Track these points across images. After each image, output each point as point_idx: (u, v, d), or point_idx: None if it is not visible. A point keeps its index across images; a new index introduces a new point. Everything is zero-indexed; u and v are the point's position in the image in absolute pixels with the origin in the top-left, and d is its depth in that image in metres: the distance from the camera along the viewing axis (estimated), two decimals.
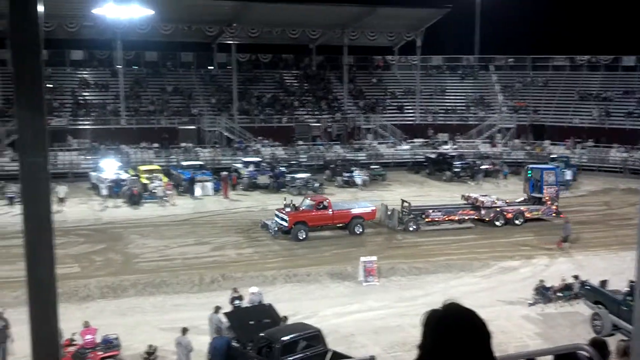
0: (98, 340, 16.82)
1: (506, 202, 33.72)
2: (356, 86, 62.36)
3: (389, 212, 32.10)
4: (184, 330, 16.62)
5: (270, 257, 27.46)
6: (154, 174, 40.33)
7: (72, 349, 16.13)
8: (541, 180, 33.94)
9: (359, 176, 43.50)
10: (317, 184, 41.40)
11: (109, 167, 41.56)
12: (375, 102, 60.69)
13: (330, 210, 30.78)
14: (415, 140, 55.15)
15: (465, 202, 34.11)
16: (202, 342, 17.14)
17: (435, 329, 2.16)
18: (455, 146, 53.80)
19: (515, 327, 19.73)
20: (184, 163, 44.39)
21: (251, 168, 43.16)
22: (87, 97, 54.22)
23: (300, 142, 53.42)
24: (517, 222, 32.82)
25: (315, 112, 58.16)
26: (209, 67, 61.47)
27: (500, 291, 23.27)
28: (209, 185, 40.68)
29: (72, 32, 52.61)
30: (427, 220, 31.91)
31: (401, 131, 56.51)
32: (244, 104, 56.57)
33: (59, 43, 52.46)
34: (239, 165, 44.65)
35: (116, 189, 38.22)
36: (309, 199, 32.21)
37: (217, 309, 17.98)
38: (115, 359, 16.54)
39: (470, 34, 64.92)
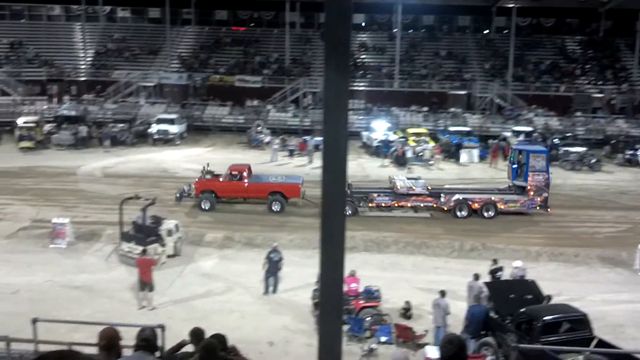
0: (361, 289, 17.81)
1: (428, 189, 28.06)
2: None
3: None
4: (442, 293, 16.77)
5: (535, 232, 26.34)
6: (422, 137, 41.02)
7: None
8: (526, 164, 27.90)
9: None
10: (593, 160, 38.36)
11: (380, 128, 43.33)
12: None
13: (245, 181, 27.86)
14: None
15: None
16: (458, 307, 17.17)
17: None
18: None
19: None
20: (451, 128, 44.36)
21: (521, 138, 41.47)
22: (364, 60, 56.69)
23: (578, 114, 49.73)
24: (486, 214, 27.60)
25: (599, 82, 53.56)
26: (485, 32, 60.00)
27: None
28: (475, 152, 40.20)
29: None
30: (370, 205, 27.70)
31: None
32: (519, 70, 54.31)
33: None
34: (508, 134, 43.20)
35: (384, 149, 39.69)
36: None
37: (477, 277, 17.84)
38: (375, 309, 17.35)
39: None
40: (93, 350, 6.43)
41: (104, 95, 51.74)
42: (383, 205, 27.76)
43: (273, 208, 27.70)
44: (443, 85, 53.29)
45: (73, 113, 44.89)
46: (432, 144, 40.55)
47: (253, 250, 22.83)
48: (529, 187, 27.96)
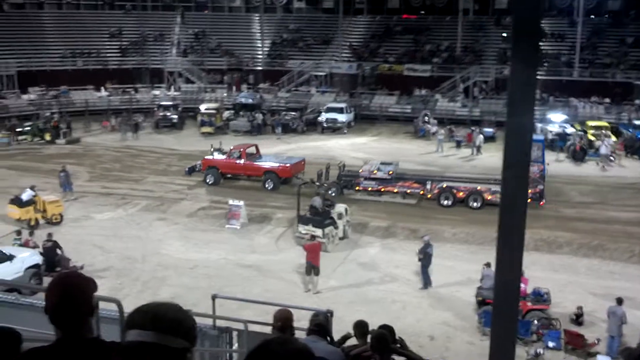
0: (529, 291, 17.00)
1: (389, 174, 27.73)
2: None
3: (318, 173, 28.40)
4: (619, 301, 15.57)
5: None
6: (602, 131, 38.22)
7: None
8: None
9: None
10: None
11: (556, 119, 41.03)
12: None
13: (241, 160, 30.12)
14: None
15: None
16: (635, 316, 15.94)
17: None
18: None
19: None
20: (636, 122, 40.89)
21: None
22: (542, 47, 53.80)
23: None
24: (471, 204, 26.67)
25: None
26: None
27: None
28: None
29: None
30: (357, 188, 28.06)
31: None
32: None
33: None
34: None
35: (560, 143, 37.50)
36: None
37: None
38: (543, 312, 16.51)
39: None
40: (264, 329, 6.71)
41: (278, 84, 53.97)
42: (370, 189, 28.06)
43: (266, 186, 29.59)
44: (629, 75, 49.05)
45: (250, 101, 47.26)
46: (613, 138, 37.63)
47: (415, 242, 22.69)
48: None
